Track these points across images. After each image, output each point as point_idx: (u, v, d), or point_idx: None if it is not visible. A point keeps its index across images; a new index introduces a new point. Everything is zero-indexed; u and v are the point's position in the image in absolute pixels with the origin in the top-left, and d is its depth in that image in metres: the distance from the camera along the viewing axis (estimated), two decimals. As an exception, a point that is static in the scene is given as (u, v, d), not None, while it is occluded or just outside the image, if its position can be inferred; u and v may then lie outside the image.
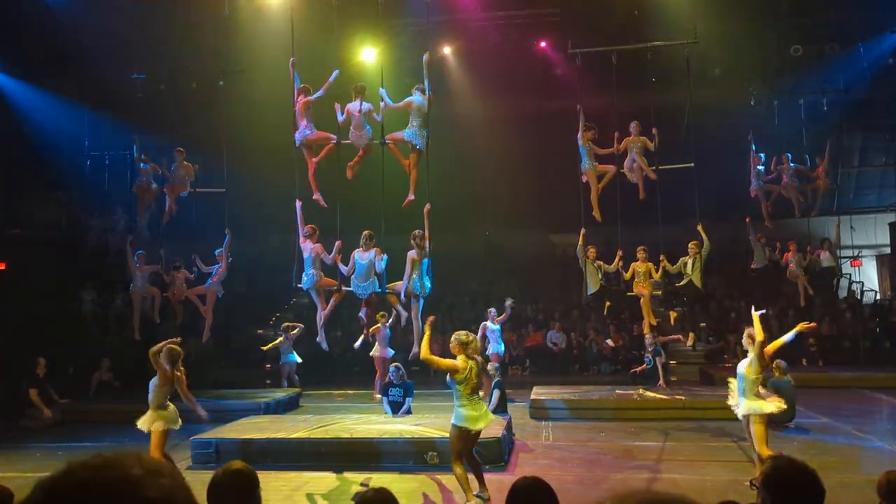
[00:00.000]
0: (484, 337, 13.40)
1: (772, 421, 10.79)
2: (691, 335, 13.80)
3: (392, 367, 12.16)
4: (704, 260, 12.68)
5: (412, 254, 9.74)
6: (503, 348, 14.47)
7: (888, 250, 21.26)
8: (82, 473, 0.82)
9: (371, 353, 13.98)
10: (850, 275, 20.57)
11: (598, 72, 14.33)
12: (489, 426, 7.55)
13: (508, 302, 13.97)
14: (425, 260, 9.81)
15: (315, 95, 10.10)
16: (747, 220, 15.20)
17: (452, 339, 7.27)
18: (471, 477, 7.23)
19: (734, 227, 19.96)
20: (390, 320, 13.68)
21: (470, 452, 7.34)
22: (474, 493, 7.18)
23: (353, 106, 9.95)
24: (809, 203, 15.86)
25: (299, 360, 14.94)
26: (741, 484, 7.46)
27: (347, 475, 8.62)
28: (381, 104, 10.04)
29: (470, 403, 7.08)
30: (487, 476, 7.67)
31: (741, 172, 16.40)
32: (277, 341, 14.83)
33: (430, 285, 9.88)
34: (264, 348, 15.23)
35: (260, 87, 16.42)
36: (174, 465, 1.19)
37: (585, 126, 12.62)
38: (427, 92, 9.89)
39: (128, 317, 16.12)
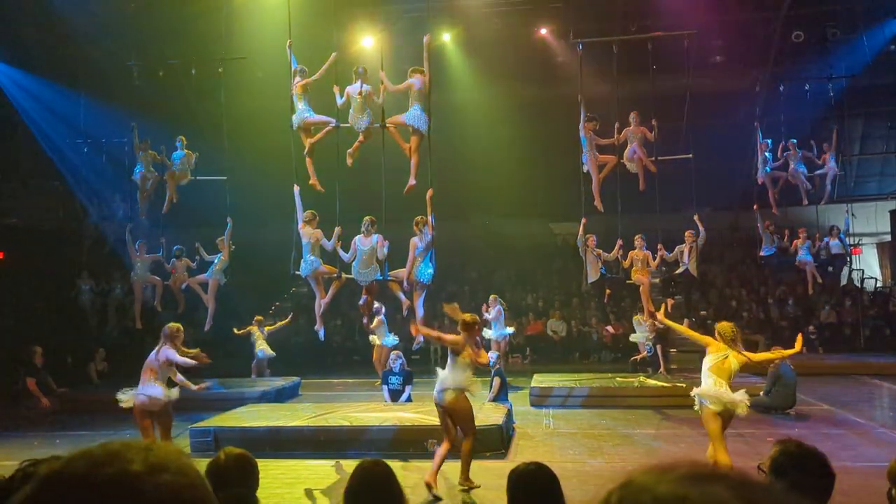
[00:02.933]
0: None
1: (772, 407, 10.85)
2: (686, 322, 13.81)
3: (392, 355, 12.13)
4: (700, 249, 12.78)
5: (415, 240, 9.64)
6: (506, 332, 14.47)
7: (888, 238, 21.20)
8: (80, 467, 0.78)
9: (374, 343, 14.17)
10: (850, 262, 20.52)
11: (599, 59, 14.25)
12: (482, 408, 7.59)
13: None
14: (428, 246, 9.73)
15: (312, 78, 9.99)
16: (755, 207, 15.14)
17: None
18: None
19: (735, 216, 19.94)
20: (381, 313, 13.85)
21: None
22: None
23: (354, 88, 9.81)
24: (817, 190, 15.78)
25: (272, 353, 14.73)
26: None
27: (347, 463, 8.58)
28: (381, 87, 9.91)
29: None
30: (488, 463, 7.67)
31: (743, 160, 16.33)
32: (250, 327, 14.68)
33: (432, 272, 9.80)
34: (237, 332, 14.99)
35: (259, 73, 16.31)
36: (187, 458, 1.13)
37: (587, 117, 12.56)
38: (427, 72, 9.73)
39: (127, 306, 16.10)
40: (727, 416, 6.91)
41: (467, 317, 7.43)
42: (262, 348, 14.56)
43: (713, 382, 6.93)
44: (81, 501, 0.74)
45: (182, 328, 8.30)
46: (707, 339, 7.31)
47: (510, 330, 14.47)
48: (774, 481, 2.85)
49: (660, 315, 8.15)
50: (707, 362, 7.10)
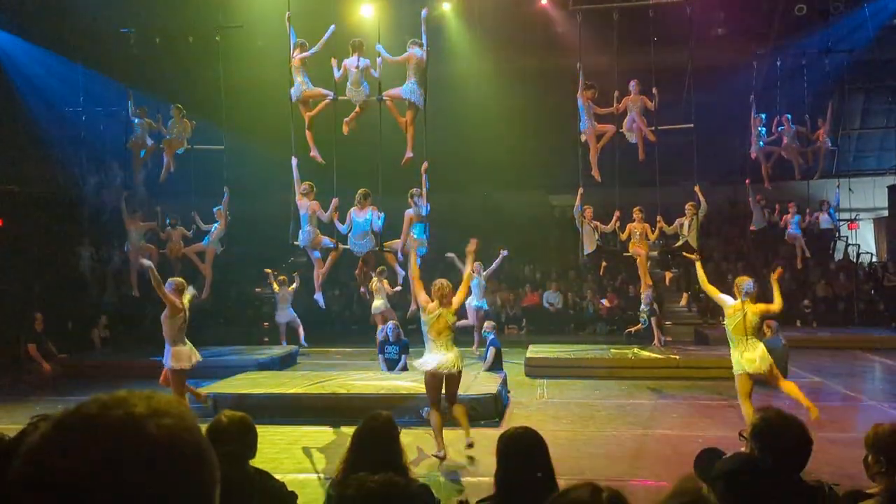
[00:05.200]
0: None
1: (765, 381, 10.97)
2: (685, 295, 13.89)
3: (390, 324, 12.25)
4: (701, 221, 12.75)
5: (410, 212, 9.74)
6: (485, 304, 14.56)
7: (886, 213, 21.26)
8: (90, 410, 0.87)
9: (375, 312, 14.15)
10: (846, 237, 20.61)
11: (600, 30, 14.18)
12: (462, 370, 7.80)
13: (504, 252, 13.71)
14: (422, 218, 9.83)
15: (311, 51, 9.99)
16: (747, 181, 15.18)
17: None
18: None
19: (733, 190, 19.97)
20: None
21: (444, 398, 7.71)
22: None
23: (351, 62, 9.85)
24: (810, 165, 15.80)
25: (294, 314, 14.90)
26: (732, 440, 7.58)
27: (344, 429, 8.73)
28: (378, 60, 9.94)
29: (436, 348, 7.45)
30: (483, 430, 7.81)
31: (742, 134, 16.31)
32: (275, 288, 14.78)
33: (426, 243, 9.91)
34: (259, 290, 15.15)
35: (257, 42, 16.22)
36: (187, 407, 1.19)
37: (586, 85, 12.52)
38: (424, 47, 9.77)
39: (125, 273, 16.19)
40: (756, 377, 7.61)
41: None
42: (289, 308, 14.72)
43: (735, 347, 7.59)
44: (92, 438, 0.83)
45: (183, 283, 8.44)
46: (722, 300, 7.74)
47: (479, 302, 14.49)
48: (755, 447, 2.96)
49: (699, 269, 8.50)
50: (728, 326, 7.66)
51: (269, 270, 15.00)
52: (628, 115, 12.71)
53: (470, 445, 7.36)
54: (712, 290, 8.09)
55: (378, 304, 13.99)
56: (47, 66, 16.99)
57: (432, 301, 7.45)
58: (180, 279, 8.55)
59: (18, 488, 0.82)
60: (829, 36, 16.98)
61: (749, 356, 7.60)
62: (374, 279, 13.56)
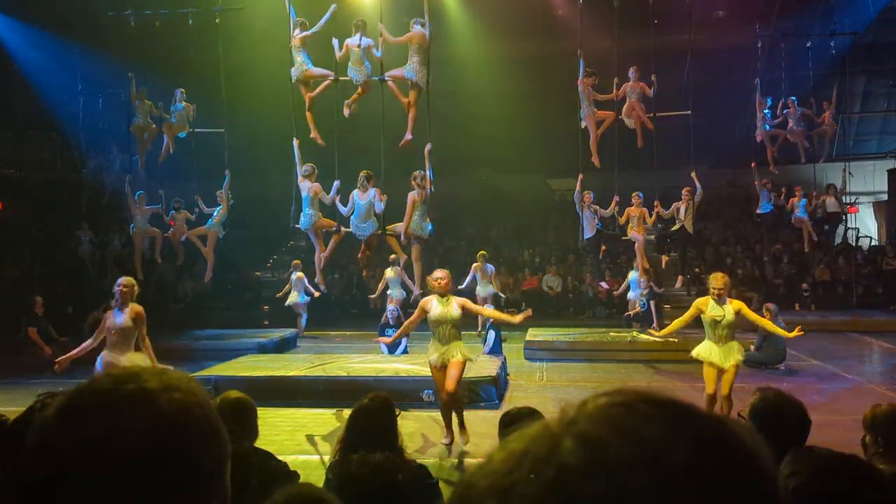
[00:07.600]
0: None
1: (762, 363, 11.04)
2: (680, 278, 13.96)
3: (390, 307, 12.27)
4: (697, 206, 12.85)
5: (413, 195, 9.71)
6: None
7: (885, 197, 21.25)
8: (104, 384, 0.89)
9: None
10: (846, 221, 20.63)
11: (600, 13, 14.11)
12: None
13: None
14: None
15: (312, 30, 9.94)
16: (753, 165, 15.16)
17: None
18: None
19: (733, 173, 19.95)
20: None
21: None
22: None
23: (353, 41, 9.79)
24: (815, 148, 15.77)
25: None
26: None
27: (345, 412, 8.77)
28: (381, 39, 9.87)
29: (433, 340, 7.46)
30: (483, 413, 7.87)
31: (742, 117, 16.27)
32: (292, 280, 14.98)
33: (430, 227, 9.90)
34: (279, 295, 15.41)
35: (258, 24, 16.13)
36: (196, 382, 1.20)
37: (586, 72, 12.50)
38: (427, 26, 9.70)
39: (125, 257, 16.21)
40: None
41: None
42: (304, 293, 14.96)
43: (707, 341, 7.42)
44: (105, 412, 0.85)
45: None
46: (692, 311, 7.53)
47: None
48: (753, 427, 2.98)
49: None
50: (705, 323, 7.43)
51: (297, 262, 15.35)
52: (627, 102, 12.70)
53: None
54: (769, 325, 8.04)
55: (394, 292, 13.82)
56: (46, 49, 16.90)
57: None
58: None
59: (33, 460, 0.84)
60: (830, 18, 16.88)
61: None
62: (388, 269, 13.57)
